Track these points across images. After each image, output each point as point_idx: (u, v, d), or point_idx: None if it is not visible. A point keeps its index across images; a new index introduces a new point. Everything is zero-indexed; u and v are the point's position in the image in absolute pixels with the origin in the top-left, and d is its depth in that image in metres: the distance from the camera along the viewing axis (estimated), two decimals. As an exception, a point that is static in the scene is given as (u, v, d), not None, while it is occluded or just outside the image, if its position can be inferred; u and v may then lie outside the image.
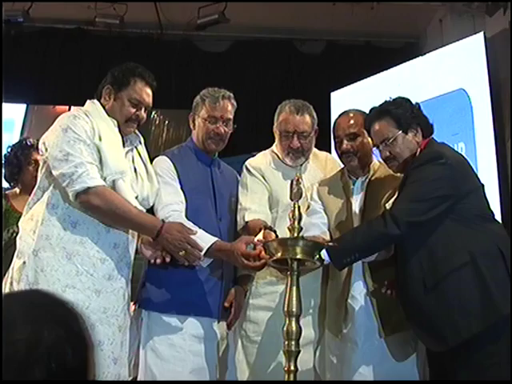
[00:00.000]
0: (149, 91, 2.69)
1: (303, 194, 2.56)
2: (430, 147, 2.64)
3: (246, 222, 2.88)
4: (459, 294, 2.39)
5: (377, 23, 6.63)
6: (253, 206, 2.93)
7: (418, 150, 2.64)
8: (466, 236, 2.45)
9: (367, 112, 2.86)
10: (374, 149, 2.79)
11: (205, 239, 2.56)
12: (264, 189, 3.01)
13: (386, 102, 2.74)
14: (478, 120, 5.08)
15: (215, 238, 2.59)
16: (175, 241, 2.49)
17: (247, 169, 3.07)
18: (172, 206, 2.71)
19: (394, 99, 2.73)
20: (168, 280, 2.72)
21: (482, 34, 5.25)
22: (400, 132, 2.63)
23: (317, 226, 2.86)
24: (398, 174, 2.82)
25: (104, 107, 2.64)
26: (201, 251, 2.51)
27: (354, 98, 5.81)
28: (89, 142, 2.47)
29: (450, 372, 2.44)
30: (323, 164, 3.17)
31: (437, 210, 2.45)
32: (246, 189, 3.01)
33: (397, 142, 2.62)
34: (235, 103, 2.95)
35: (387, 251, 2.68)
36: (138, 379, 2.69)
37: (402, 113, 2.65)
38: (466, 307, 2.38)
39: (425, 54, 5.92)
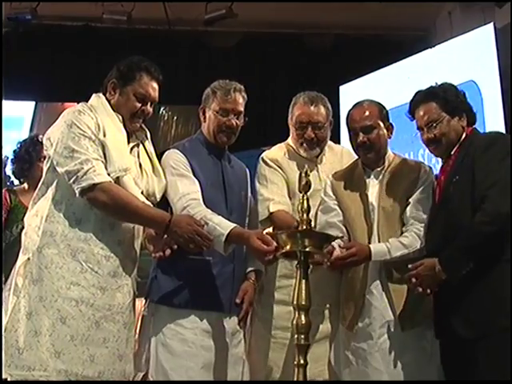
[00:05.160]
0: (155, 85, 2.65)
1: (312, 186, 2.54)
2: (476, 133, 2.67)
3: (271, 213, 2.88)
4: (501, 286, 2.39)
5: (386, 16, 6.61)
6: (275, 196, 2.94)
7: (464, 135, 2.65)
8: None
9: (381, 103, 2.86)
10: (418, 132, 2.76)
11: (224, 225, 2.55)
12: (283, 179, 3.01)
13: (432, 86, 2.73)
14: (489, 111, 5.06)
15: (234, 225, 2.57)
16: (185, 233, 2.45)
17: (264, 161, 3.07)
18: (189, 195, 2.68)
19: (440, 84, 2.73)
20: (179, 274, 2.70)
21: (491, 24, 5.22)
22: (446, 115, 2.63)
23: (334, 225, 2.84)
24: (414, 165, 2.85)
25: (109, 101, 2.61)
26: (211, 241, 2.49)
27: (362, 91, 5.78)
28: (94, 137, 2.45)
29: (466, 362, 2.42)
30: (339, 157, 3.16)
31: None
32: (266, 180, 3.01)
33: (443, 123, 2.64)
34: (246, 96, 2.92)
35: (420, 251, 2.67)
36: (149, 374, 2.68)
37: (448, 96, 2.65)
38: (505, 299, 2.37)
39: (434, 46, 5.90)
